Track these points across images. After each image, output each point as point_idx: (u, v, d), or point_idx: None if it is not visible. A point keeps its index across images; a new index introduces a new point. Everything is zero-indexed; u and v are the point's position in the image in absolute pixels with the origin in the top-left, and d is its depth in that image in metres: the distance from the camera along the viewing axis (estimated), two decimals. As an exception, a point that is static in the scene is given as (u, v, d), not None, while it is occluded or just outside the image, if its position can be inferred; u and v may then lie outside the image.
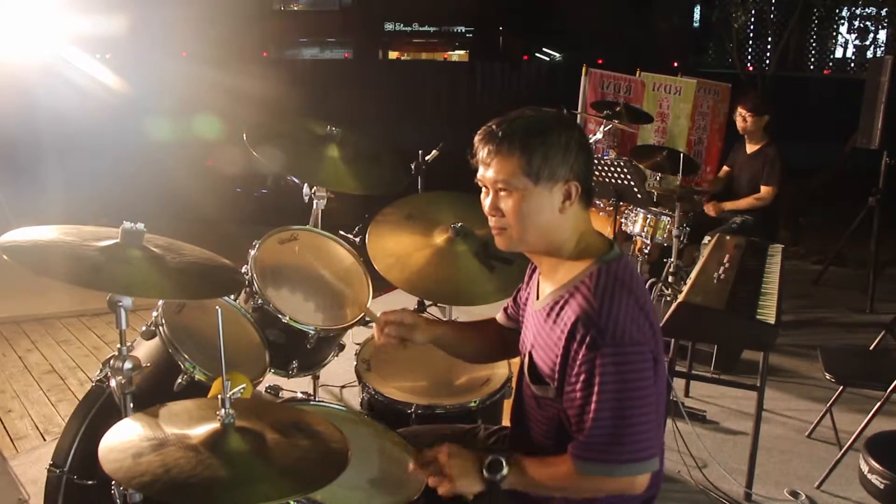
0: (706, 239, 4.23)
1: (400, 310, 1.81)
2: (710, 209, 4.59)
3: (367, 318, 2.42)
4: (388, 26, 25.31)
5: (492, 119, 1.54)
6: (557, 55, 22.14)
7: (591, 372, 1.41)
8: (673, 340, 3.00)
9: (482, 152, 1.52)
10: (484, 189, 1.58)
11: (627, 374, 1.40)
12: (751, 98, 4.68)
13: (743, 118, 4.57)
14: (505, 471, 1.49)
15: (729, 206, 4.59)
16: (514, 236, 1.55)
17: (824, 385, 3.17)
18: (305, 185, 2.87)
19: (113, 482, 1.71)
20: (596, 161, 3.71)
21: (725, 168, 4.91)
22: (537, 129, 1.50)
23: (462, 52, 25.71)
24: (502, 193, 1.52)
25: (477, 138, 1.54)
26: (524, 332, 1.70)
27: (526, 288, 1.78)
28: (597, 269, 1.50)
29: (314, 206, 2.88)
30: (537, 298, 1.63)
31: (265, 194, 7.75)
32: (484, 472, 1.50)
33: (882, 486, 2.18)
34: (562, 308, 1.51)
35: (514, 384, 2.29)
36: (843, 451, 2.92)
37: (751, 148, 4.64)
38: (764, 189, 4.48)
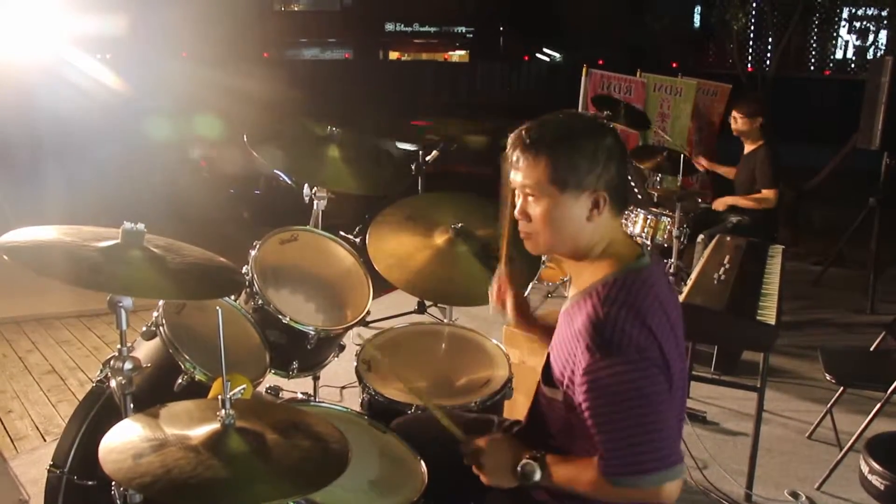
0: (701, 237, 4.26)
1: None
2: (719, 205, 4.61)
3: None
4: (389, 27, 25.35)
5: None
6: (558, 56, 22.14)
7: (592, 383, 1.39)
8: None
9: (512, 156, 1.51)
10: (517, 192, 1.56)
11: (628, 384, 1.37)
12: (746, 101, 4.75)
13: (735, 119, 4.63)
14: (538, 476, 1.51)
15: (730, 200, 4.61)
16: (542, 242, 1.54)
17: (825, 386, 3.17)
18: (306, 185, 2.87)
19: (113, 483, 1.71)
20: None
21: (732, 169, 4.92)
22: (565, 135, 1.47)
23: (462, 52, 25.73)
24: (531, 199, 1.51)
25: (508, 141, 1.52)
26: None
27: None
28: (613, 277, 1.48)
29: (315, 207, 2.88)
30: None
31: (258, 195, 7.72)
32: (519, 472, 1.52)
33: (882, 487, 2.18)
34: (577, 312, 1.49)
35: (514, 384, 2.30)
36: (843, 452, 2.92)
37: (747, 148, 4.70)
38: (765, 192, 4.48)
